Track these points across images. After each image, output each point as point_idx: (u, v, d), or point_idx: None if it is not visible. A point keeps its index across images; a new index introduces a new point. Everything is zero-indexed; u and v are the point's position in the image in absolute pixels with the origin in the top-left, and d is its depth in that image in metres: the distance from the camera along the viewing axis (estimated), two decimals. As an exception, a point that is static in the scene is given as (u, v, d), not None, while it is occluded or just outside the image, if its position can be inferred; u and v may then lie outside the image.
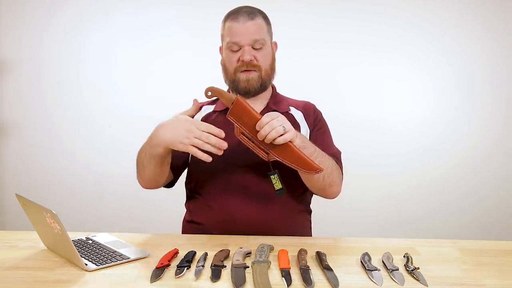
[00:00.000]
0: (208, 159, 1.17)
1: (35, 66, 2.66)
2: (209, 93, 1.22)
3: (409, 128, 2.65)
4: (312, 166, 1.17)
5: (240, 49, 1.33)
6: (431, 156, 2.65)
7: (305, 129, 1.40)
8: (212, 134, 1.16)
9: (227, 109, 1.38)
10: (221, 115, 1.41)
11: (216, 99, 1.48)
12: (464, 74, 2.62)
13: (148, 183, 1.37)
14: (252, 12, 1.35)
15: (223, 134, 1.17)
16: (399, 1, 2.60)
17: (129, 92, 2.66)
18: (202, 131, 1.17)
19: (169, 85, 2.63)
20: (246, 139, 1.18)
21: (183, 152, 1.30)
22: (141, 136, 2.67)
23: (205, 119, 1.43)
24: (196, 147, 1.17)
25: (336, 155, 1.37)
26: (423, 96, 2.66)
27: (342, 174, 1.37)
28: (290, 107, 1.44)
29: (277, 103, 1.43)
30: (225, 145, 1.17)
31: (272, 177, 1.20)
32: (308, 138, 1.38)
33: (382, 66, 2.63)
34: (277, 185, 1.20)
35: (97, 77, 2.66)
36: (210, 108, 1.45)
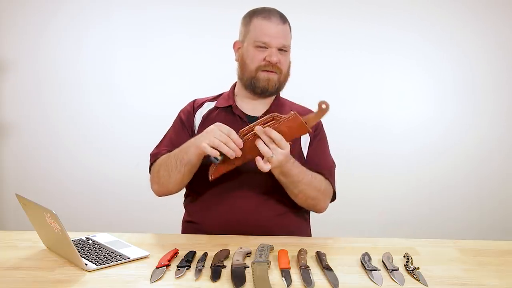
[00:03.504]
0: (216, 154, 1.17)
1: (34, 66, 2.66)
2: (325, 107, 1.16)
3: (410, 128, 2.65)
4: (215, 174, 1.22)
5: (267, 48, 1.32)
6: (431, 156, 2.65)
7: (304, 136, 1.40)
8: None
9: (229, 106, 1.39)
10: (222, 111, 1.41)
11: (218, 95, 1.48)
12: (465, 74, 2.62)
13: (166, 191, 1.36)
14: (283, 16, 1.36)
15: (241, 144, 1.17)
16: (400, 1, 2.59)
17: (129, 92, 2.66)
18: (224, 133, 1.17)
19: (169, 85, 2.63)
20: (264, 121, 1.17)
21: None
22: (141, 135, 2.70)
23: (207, 115, 1.42)
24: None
25: (330, 169, 1.38)
26: (424, 97, 2.66)
27: (334, 189, 1.38)
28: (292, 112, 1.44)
29: (279, 107, 1.43)
30: (239, 153, 1.17)
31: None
32: (307, 146, 1.39)
33: (383, 66, 2.63)
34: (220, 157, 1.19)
35: (97, 77, 2.66)
36: (212, 105, 1.44)
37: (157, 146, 1.43)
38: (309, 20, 2.58)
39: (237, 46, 1.41)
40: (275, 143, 1.15)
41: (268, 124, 1.16)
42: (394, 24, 2.60)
